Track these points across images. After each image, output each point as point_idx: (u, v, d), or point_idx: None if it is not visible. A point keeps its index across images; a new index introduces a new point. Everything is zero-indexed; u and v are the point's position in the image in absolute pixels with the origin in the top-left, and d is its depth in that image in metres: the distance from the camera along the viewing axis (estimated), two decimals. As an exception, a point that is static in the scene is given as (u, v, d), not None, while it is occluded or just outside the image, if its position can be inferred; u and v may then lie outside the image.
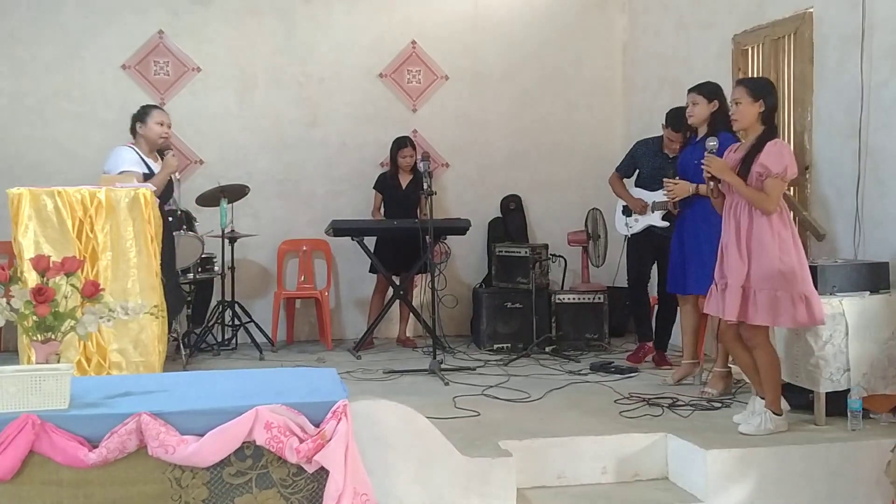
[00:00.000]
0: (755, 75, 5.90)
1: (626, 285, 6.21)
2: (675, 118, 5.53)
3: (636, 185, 5.94)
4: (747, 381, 4.54)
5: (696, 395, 4.81)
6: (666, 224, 5.63)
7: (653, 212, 5.75)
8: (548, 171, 7.69)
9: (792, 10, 5.52)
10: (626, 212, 5.96)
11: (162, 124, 5.36)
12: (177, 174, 5.42)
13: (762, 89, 4.18)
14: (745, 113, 4.12)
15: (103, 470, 2.54)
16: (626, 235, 6.02)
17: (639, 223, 5.84)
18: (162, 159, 5.35)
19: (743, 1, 6.06)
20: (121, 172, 5.01)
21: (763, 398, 4.14)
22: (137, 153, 5.28)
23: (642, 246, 5.90)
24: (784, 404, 4.14)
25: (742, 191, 4.06)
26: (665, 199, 5.33)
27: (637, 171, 5.93)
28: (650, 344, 6.00)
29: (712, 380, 4.95)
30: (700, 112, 4.86)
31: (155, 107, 5.60)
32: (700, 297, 4.84)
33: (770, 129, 4.15)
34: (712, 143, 4.24)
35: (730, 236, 4.15)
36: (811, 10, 5.36)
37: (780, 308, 3.99)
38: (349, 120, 7.40)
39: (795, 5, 5.49)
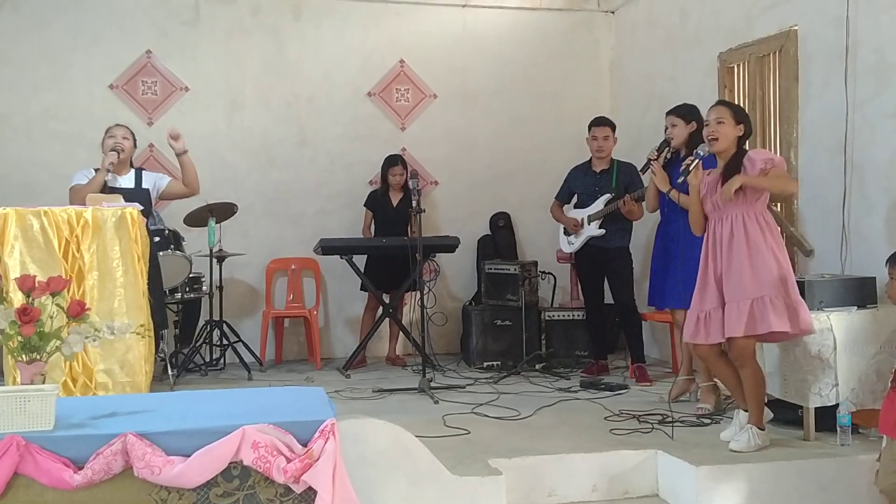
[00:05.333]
0: (742, 92, 5.98)
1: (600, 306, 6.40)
2: (595, 119, 6.12)
3: (575, 207, 6.26)
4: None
5: (685, 412, 4.80)
6: (602, 231, 5.97)
7: (588, 224, 6.05)
8: (536, 188, 7.68)
9: (777, 28, 5.57)
10: (567, 231, 6.31)
11: (113, 137, 5.51)
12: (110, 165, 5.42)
13: (744, 115, 4.28)
14: (727, 133, 4.15)
15: (88, 492, 2.52)
16: (571, 253, 6.33)
17: (580, 238, 6.14)
18: (136, 170, 5.67)
19: (729, 19, 6.11)
20: (70, 187, 5.36)
21: (746, 411, 4.15)
22: (96, 170, 5.44)
23: (587, 265, 6.23)
24: (766, 412, 4.16)
25: (764, 183, 4.05)
26: (599, 207, 5.89)
27: (575, 195, 6.28)
28: (603, 361, 6.30)
29: (703, 395, 4.96)
30: (680, 133, 5.02)
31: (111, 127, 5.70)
32: None
33: (743, 151, 4.21)
34: (703, 150, 4.28)
35: (721, 258, 4.13)
36: (796, 27, 5.41)
37: (791, 312, 4.01)
38: (338, 138, 7.41)
39: (780, 23, 5.54)
